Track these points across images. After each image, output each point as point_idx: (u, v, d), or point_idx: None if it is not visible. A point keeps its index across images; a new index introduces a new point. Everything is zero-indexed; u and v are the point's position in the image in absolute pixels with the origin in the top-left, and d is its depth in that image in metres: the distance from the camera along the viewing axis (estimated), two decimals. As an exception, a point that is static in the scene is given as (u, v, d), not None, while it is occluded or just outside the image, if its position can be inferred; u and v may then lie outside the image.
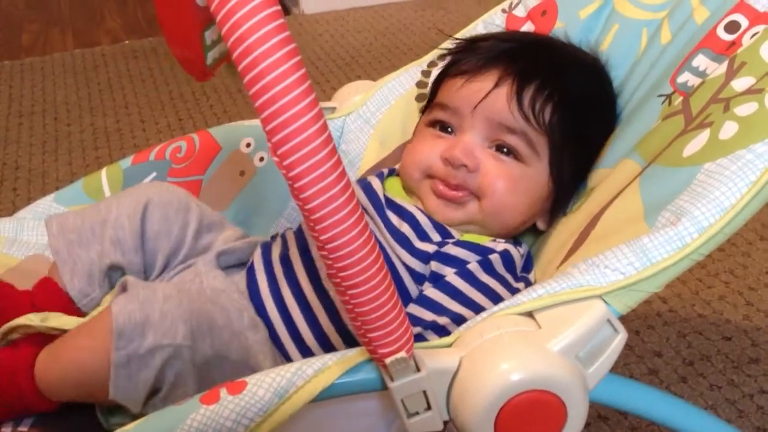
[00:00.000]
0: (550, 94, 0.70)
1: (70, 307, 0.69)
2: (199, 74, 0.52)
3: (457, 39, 0.84)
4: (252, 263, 0.72)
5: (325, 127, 0.41)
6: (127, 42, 2.20)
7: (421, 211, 0.72)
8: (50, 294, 0.70)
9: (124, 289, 0.62)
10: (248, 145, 0.86)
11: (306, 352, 0.67)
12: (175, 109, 1.75)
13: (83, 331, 0.61)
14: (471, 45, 0.78)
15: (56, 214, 0.74)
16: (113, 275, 0.71)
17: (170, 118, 1.72)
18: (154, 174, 0.82)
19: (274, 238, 0.77)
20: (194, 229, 0.72)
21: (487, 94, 0.70)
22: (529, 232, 0.77)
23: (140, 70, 1.98)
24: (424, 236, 0.70)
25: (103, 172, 0.83)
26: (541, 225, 0.75)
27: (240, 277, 0.71)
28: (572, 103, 0.72)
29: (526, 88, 0.70)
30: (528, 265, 0.71)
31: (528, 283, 0.69)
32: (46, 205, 0.82)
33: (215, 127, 0.88)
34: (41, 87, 1.93)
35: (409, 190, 0.75)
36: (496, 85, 0.70)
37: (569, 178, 0.72)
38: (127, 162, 0.83)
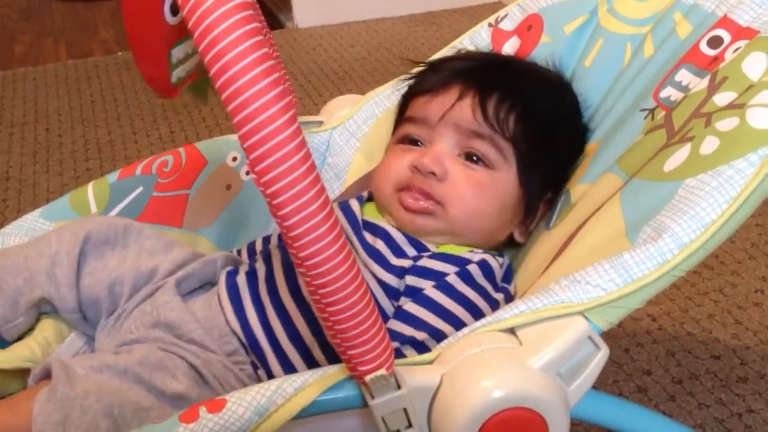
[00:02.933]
0: (511, 105, 0.72)
1: None
2: (164, 91, 0.52)
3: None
4: (235, 282, 0.71)
5: (303, 144, 0.41)
6: (120, 53, 2.20)
7: (395, 228, 0.72)
8: None
9: (46, 374, 0.60)
10: (234, 158, 0.86)
11: (288, 366, 0.66)
12: (167, 121, 1.75)
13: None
14: (432, 66, 0.80)
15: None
16: (43, 306, 0.70)
17: (162, 130, 1.72)
18: (140, 189, 0.81)
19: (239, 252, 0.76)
20: (132, 262, 0.71)
21: (452, 106, 0.72)
22: (510, 246, 0.77)
23: (133, 81, 1.98)
24: (399, 253, 0.70)
25: (90, 186, 0.82)
26: (518, 237, 0.75)
27: (201, 303, 0.70)
28: (534, 113, 0.73)
29: (489, 100, 0.72)
30: (508, 276, 0.71)
31: (508, 294, 0.69)
32: (32, 220, 0.80)
33: (202, 141, 0.87)
34: (33, 97, 1.92)
35: (381, 207, 0.75)
36: (459, 98, 0.72)
37: (539, 186, 0.73)
38: (113, 176, 0.82)
